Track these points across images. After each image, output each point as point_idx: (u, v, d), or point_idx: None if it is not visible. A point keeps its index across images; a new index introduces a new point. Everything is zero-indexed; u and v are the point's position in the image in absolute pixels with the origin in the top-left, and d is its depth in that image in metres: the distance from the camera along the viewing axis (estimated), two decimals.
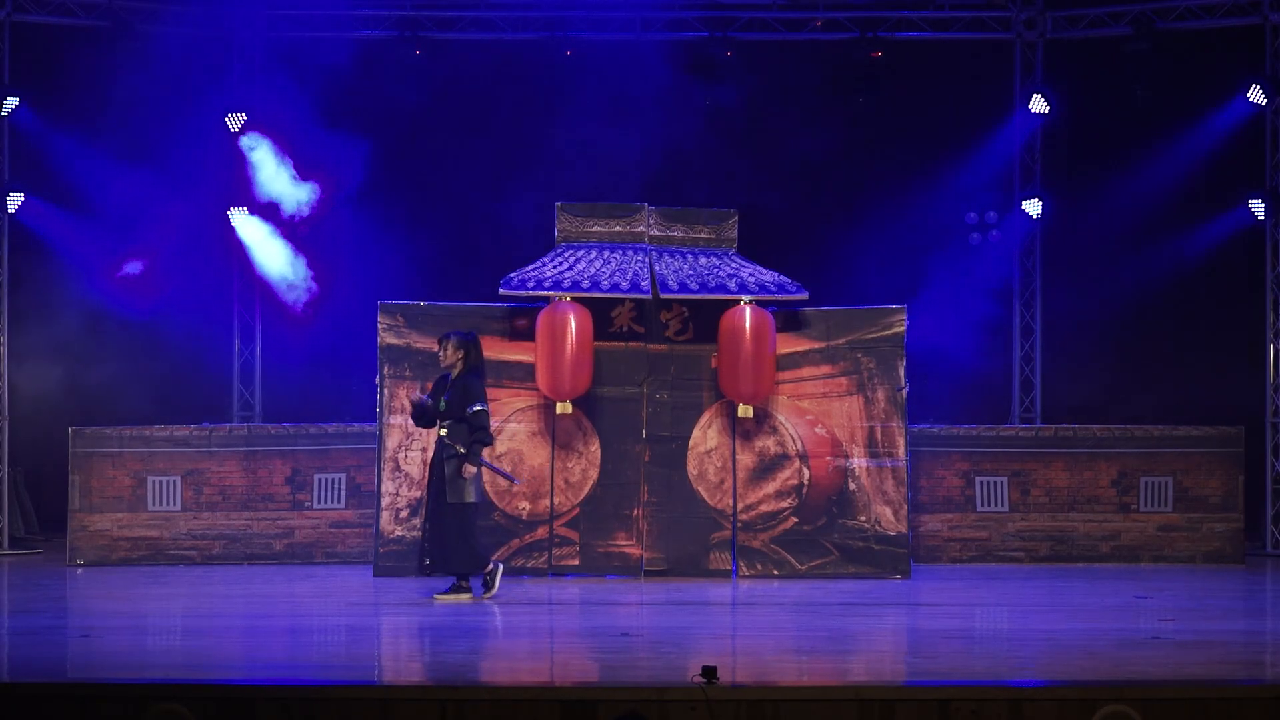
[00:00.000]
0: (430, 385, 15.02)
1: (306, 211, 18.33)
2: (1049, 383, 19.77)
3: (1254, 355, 18.74)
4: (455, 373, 14.54)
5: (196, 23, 19.12)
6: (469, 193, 19.64)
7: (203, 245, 19.05)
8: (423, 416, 14.67)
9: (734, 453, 16.32)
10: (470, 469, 14.35)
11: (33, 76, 18.46)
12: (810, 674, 11.24)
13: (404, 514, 16.09)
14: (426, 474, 14.92)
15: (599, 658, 11.61)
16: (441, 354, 14.64)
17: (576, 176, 18.98)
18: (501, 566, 14.70)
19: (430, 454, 15.07)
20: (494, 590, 14.50)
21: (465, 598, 14.38)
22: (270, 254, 18.73)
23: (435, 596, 14.40)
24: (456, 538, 14.36)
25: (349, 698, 9.80)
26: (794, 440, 16.32)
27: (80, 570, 16.60)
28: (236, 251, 19.19)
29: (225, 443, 17.10)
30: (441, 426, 14.50)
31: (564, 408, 15.85)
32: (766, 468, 16.34)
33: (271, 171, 18.33)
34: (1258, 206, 18.43)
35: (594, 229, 16.58)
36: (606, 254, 16.39)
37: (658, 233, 16.62)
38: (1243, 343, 19.08)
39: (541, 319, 15.83)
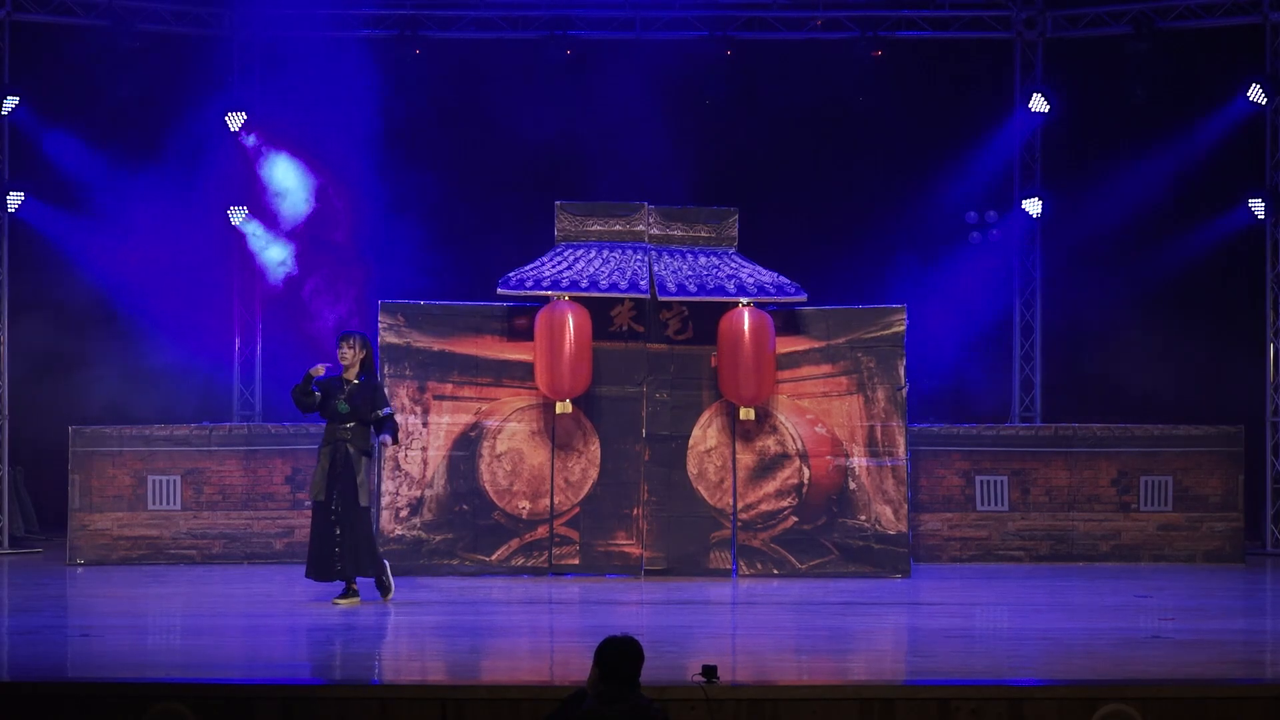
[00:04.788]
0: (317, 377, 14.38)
1: (307, 211, 18.32)
2: (1049, 382, 19.75)
3: (1254, 355, 18.73)
4: (353, 374, 14.26)
5: (196, 23, 19.14)
6: (468, 192, 19.63)
7: (203, 245, 19.05)
8: (300, 400, 14.19)
9: (734, 452, 16.31)
10: (393, 445, 14.29)
11: (33, 76, 18.44)
12: (810, 673, 11.25)
13: (404, 513, 16.08)
14: (325, 479, 14.11)
15: None
16: (349, 352, 14.27)
17: (577, 176, 18.97)
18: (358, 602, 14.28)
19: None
20: (343, 602, 14.16)
21: (356, 601, 14.12)
22: (271, 250, 18.72)
23: (334, 601, 14.09)
24: (366, 540, 14.21)
25: (348, 697, 9.81)
26: (794, 439, 16.31)
27: (80, 569, 16.60)
28: (237, 251, 19.19)
29: (225, 442, 17.10)
30: (344, 430, 14.22)
31: (564, 407, 15.84)
32: (766, 467, 16.33)
33: (282, 174, 18.33)
34: (1258, 206, 18.41)
35: (593, 228, 16.57)
36: (606, 253, 16.38)
37: (657, 232, 16.61)
38: (1243, 343, 19.06)
39: (540, 318, 15.83)
